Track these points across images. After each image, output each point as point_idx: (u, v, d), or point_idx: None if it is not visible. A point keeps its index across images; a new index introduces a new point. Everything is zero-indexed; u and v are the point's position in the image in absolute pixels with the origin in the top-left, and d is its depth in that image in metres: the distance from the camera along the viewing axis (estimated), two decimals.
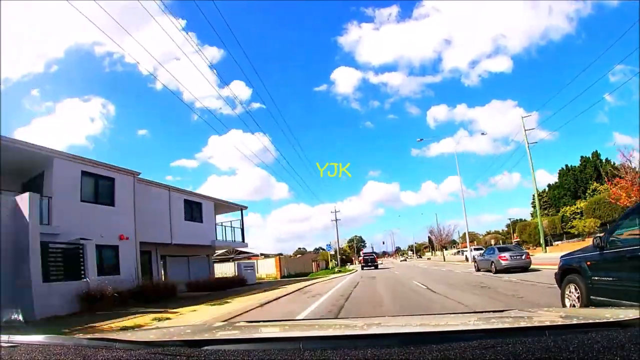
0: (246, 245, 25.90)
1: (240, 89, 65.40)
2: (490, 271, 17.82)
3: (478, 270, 19.92)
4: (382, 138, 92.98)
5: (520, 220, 65.54)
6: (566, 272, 6.03)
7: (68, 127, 70.76)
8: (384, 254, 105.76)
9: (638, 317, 1.11)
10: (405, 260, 77.73)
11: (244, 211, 25.45)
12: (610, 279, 4.95)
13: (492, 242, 54.50)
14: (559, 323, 1.39)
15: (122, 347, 1.10)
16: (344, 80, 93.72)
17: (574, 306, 5.67)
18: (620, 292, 4.72)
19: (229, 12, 69.55)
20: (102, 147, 72.41)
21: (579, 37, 68.57)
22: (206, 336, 1.50)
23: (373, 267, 37.24)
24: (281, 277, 32.28)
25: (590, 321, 1.20)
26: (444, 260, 49.05)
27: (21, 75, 57.58)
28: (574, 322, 1.33)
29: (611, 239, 5.11)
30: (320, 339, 1.26)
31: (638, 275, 4.39)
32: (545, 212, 51.94)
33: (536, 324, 1.45)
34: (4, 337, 1.16)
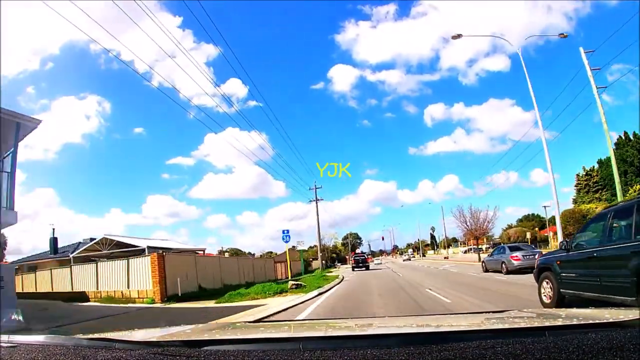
0: (15, 217, 9.71)
1: (236, 87, 64.80)
2: (500, 272, 16.92)
3: (486, 271, 18.85)
4: (379, 136, 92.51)
5: (534, 215, 60.36)
6: (542, 270, 7.09)
7: (64, 125, 69.73)
8: (381, 252, 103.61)
9: (638, 317, 1.11)
10: (409, 259, 63.85)
11: (28, 129, 10.22)
12: (574, 275, 6.05)
13: (528, 236, 42.48)
14: (559, 324, 1.39)
15: (122, 347, 1.10)
16: (341, 78, 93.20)
17: (549, 298, 6.79)
18: (581, 285, 5.86)
19: (224, 9, 69.30)
20: (97, 145, 71.36)
21: (578, 36, 68.33)
22: (206, 336, 1.50)
23: (364, 268, 34.58)
24: (164, 300, 14.86)
25: (590, 322, 1.20)
26: (479, 260, 26.27)
27: (17, 73, 56.66)
28: (574, 322, 1.33)
29: (575, 243, 6.20)
30: (320, 339, 1.26)
31: (593, 272, 5.50)
32: (596, 195, 42.39)
33: (536, 325, 1.45)
34: (4, 338, 1.16)
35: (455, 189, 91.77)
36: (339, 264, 65.15)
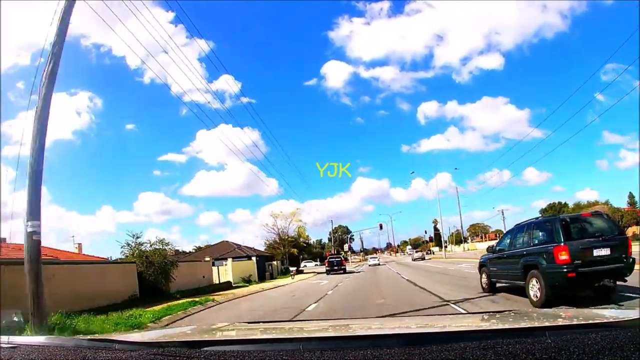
0: None
1: (229, 83, 63.48)
2: None
3: None
4: (373, 134, 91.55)
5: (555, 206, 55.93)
6: (481, 266, 10.24)
7: (54, 121, 68.72)
8: (375, 250, 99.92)
9: (638, 317, 1.11)
10: (423, 258, 46.22)
11: None
12: (496, 269, 9.12)
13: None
14: (559, 323, 1.39)
15: (122, 348, 1.10)
16: (335, 74, 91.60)
17: (486, 285, 9.71)
18: (500, 275, 8.94)
19: (218, 5, 68.97)
20: (89, 141, 69.07)
21: (573, 35, 68.16)
22: (206, 337, 1.50)
23: (341, 272, 29.70)
24: None
25: (591, 322, 1.20)
26: None
27: (7, 68, 55.61)
28: (574, 322, 1.33)
29: (497, 247, 9.35)
30: (320, 339, 1.26)
31: (505, 267, 8.60)
32: None
33: (536, 325, 1.46)
34: (4, 339, 1.16)
35: (448, 186, 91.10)
36: (305, 267, 44.78)
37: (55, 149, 69.72)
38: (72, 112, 69.74)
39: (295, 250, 40.21)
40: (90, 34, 58.12)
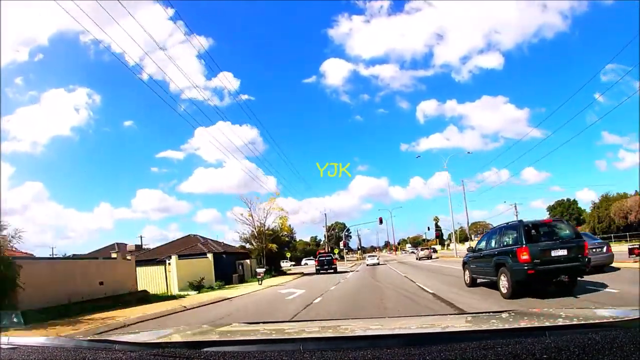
0: None
1: (228, 81, 62.64)
2: None
3: None
4: (372, 132, 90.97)
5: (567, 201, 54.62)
6: (464, 264, 11.41)
7: (53, 118, 67.21)
8: (373, 248, 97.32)
9: (638, 317, 1.11)
10: (429, 257, 40.85)
11: None
12: (475, 266, 10.38)
13: None
14: (559, 323, 1.39)
15: (122, 348, 1.10)
16: (334, 72, 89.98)
17: (468, 280, 10.79)
18: (478, 272, 10.13)
19: (217, 3, 69.04)
20: (87, 138, 68.81)
21: (573, 35, 68.12)
22: (206, 337, 1.50)
23: (332, 271, 28.36)
24: None
25: (591, 322, 1.20)
26: None
27: (5, 64, 55.16)
28: (574, 322, 1.33)
29: (476, 247, 10.65)
30: (320, 340, 1.26)
31: (482, 264, 9.75)
32: None
33: (536, 324, 1.46)
34: (4, 339, 1.16)
35: (446, 185, 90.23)
36: (306, 264, 42.62)
37: (53, 145, 69.40)
38: (70, 108, 69.43)
39: (275, 245, 31.92)
40: (88, 30, 57.97)
